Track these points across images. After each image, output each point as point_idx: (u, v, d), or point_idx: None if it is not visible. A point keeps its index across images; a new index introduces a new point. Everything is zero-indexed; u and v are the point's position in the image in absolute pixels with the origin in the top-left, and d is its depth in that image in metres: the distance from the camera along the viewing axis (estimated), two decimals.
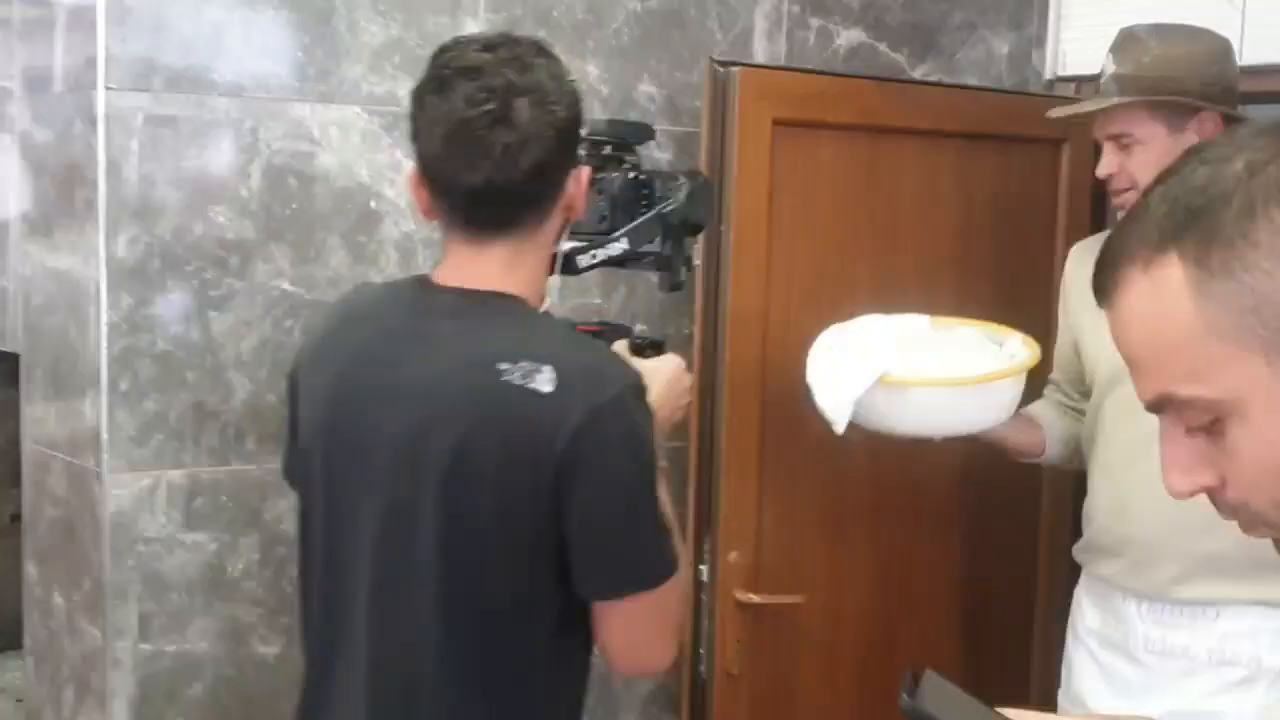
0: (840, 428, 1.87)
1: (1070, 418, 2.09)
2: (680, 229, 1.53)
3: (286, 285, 1.98)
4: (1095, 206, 2.56)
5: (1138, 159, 1.82)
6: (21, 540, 2.23)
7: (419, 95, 1.35)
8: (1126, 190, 1.85)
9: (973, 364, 1.92)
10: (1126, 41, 1.86)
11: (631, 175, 1.54)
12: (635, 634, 1.29)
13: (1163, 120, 1.81)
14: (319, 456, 1.39)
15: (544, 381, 1.22)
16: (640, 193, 1.53)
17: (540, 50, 1.35)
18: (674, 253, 1.54)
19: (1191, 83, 1.80)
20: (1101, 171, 1.88)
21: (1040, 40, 2.62)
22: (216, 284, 1.94)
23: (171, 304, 1.92)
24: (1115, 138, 1.84)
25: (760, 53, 2.31)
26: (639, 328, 1.79)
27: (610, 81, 2.20)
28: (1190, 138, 1.77)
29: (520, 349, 1.25)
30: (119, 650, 1.90)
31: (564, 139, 1.32)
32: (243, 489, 1.99)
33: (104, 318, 1.89)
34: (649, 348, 1.52)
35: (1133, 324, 0.73)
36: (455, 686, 1.26)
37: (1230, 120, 1.82)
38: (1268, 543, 1.63)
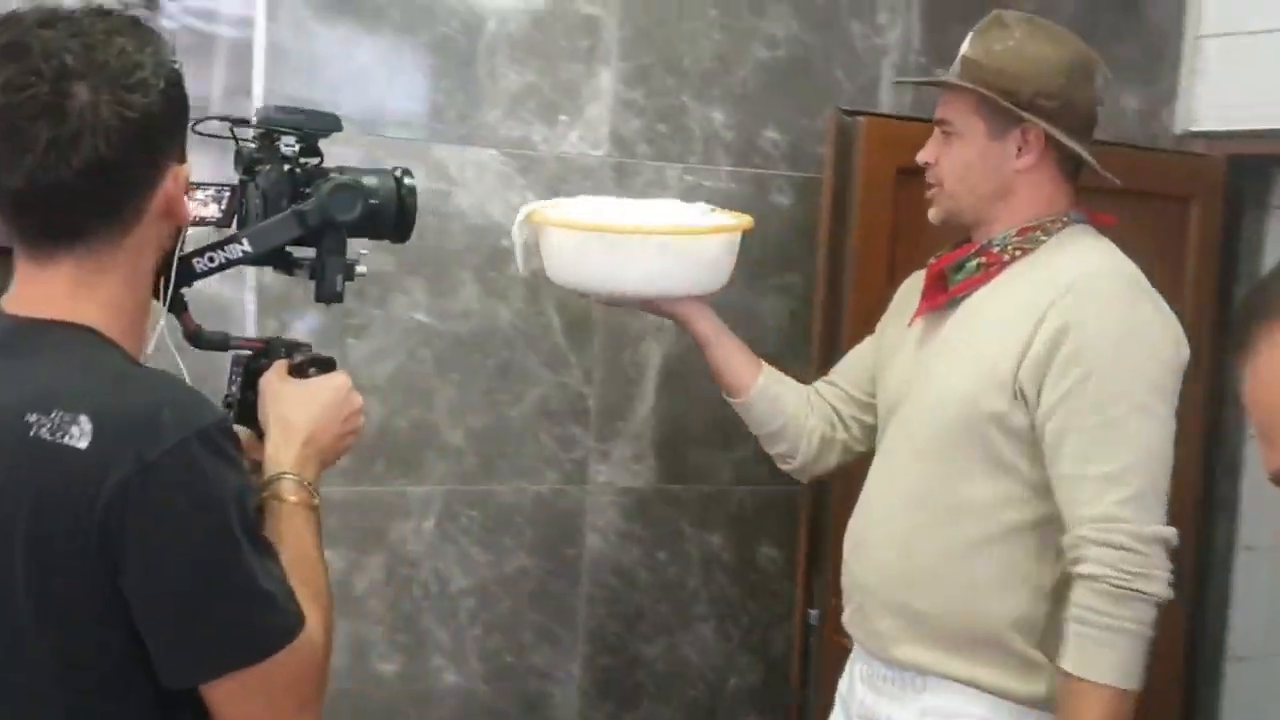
0: (520, 267, 1.81)
1: (805, 399, 1.83)
2: (324, 230, 1.31)
3: (421, 316, 2.07)
4: (1224, 264, 2.52)
5: (952, 154, 1.64)
6: None
7: None
8: (932, 187, 1.67)
9: (646, 220, 1.76)
10: (991, 25, 1.65)
11: (287, 169, 1.32)
12: (255, 709, 1.08)
13: (984, 118, 1.61)
14: None
15: (79, 435, 1.01)
16: (295, 189, 1.32)
17: (124, 25, 1.11)
18: (325, 258, 1.33)
19: (1025, 87, 1.59)
20: (919, 157, 1.69)
21: (1171, 96, 2.59)
22: (356, 313, 2.04)
23: (312, 331, 2.02)
24: (940, 123, 1.66)
25: (886, 102, 2.34)
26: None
27: (735, 127, 2.26)
28: (1009, 149, 1.60)
29: (53, 396, 1.03)
30: None
31: (143, 131, 1.07)
32: (371, 509, 2.08)
33: (249, 330, 1.99)
34: (313, 366, 1.32)
35: (1273, 386, 0.68)
36: None
37: (1060, 147, 1.60)
38: (993, 613, 1.54)
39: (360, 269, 1.36)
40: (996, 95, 1.58)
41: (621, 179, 2.20)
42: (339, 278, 1.34)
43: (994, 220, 1.63)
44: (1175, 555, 1.50)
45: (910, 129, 2.23)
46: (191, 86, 2.31)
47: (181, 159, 1.14)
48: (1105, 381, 1.49)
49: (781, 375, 1.85)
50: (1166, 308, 1.57)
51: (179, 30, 2.27)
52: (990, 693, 1.55)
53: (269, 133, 1.34)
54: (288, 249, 1.33)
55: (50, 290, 1.09)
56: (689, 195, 2.14)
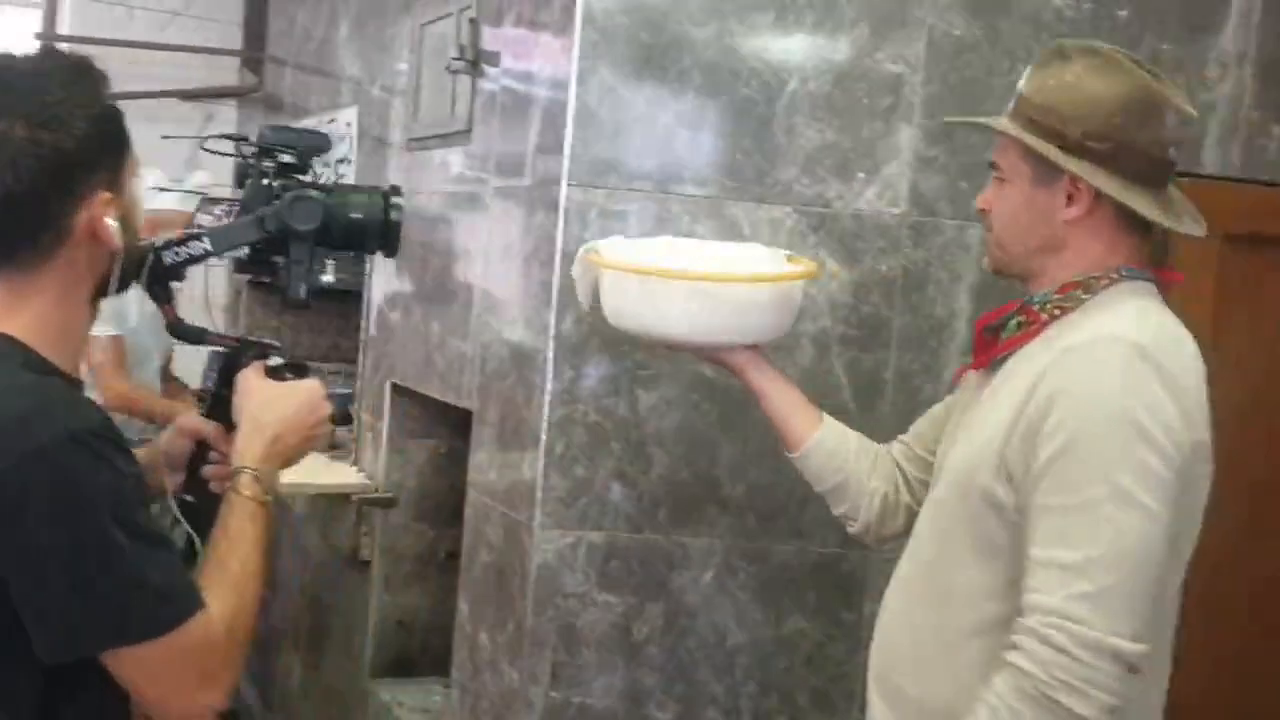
0: (583, 305, 1.82)
1: (871, 458, 1.70)
2: (289, 238, 1.41)
3: (707, 371, 2.10)
4: None
5: (1001, 201, 1.47)
6: (455, 578, 2.50)
7: None
8: (989, 233, 1.51)
9: (698, 264, 1.68)
10: (1051, 56, 1.46)
11: (265, 182, 1.45)
12: (154, 683, 1.20)
13: (1031, 163, 1.43)
14: None
15: None
16: (270, 200, 1.43)
17: (54, 67, 1.23)
18: (290, 266, 1.43)
19: (1073, 129, 1.39)
20: (977, 203, 1.54)
21: None
22: (645, 364, 2.09)
23: (605, 380, 2.09)
24: (993, 167, 1.50)
25: (1210, 162, 2.18)
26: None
27: None
28: (1058, 198, 1.41)
29: None
30: (533, 694, 2.08)
31: (54, 165, 1.18)
32: (652, 557, 2.11)
33: (548, 386, 2.09)
34: (289, 370, 1.42)
35: None
36: None
37: (1116, 204, 1.40)
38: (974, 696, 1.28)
39: (326, 278, 1.43)
40: (1041, 136, 1.40)
41: (920, 237, 2.16)
42: (301, 285, 1.43)
43: (1042, 274, 1.45)
44: (1130, 674, 1.25)
45: (1239, 192, 2.08)
46: (508, 142, 2.47)
47: (111, 188, 1.23)
48: (1087, 458, 1.29)
49: (846, 431, 1.72)
50: (1189, 388, 1.33)
51: (499, 91, 2.43)
52: None
53: (265, 150, 1.46)
54: (274, 257, 1.44)
55: None
56: None
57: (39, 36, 4.58)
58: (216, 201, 1.32)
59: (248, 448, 1.33)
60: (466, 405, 2.48)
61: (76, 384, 1.28)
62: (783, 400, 1.72)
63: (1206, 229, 1.46)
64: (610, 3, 2.06)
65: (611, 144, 2.08)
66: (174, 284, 1.40)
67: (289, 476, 3.09)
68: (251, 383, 1.39)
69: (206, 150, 1.48)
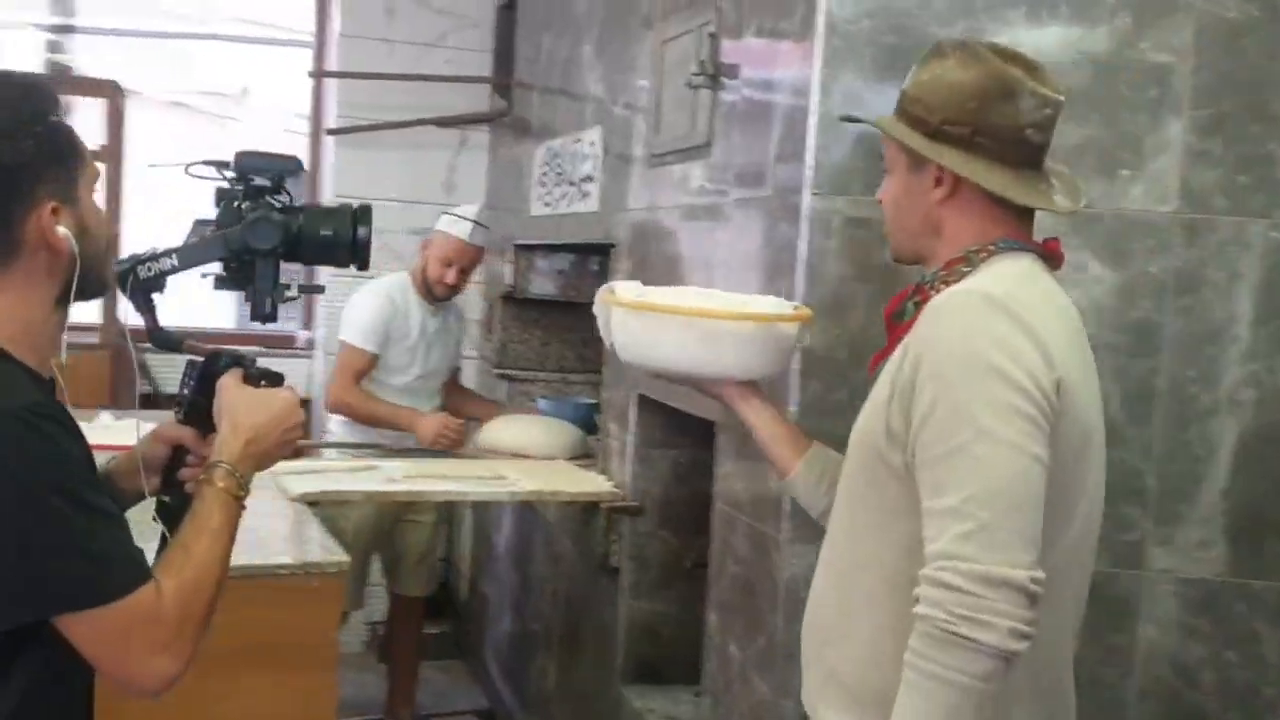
0: (604, 339, 1.93)
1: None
2: (252, 256, 1.54)
3: None
4: None
5: (887, 190, 1.59)
6: (702, 586, 2.50)
7: None
8: (886, 223, 1.62)
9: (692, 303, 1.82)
10: (930, 54, 1.55)
11: (235, 204, 1.57)
12: (103, 647, 1.29)
13: (906, 154, 1.54)
14: None
15: None
16: (239, 220, 1.55)
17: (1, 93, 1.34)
18: (256, 282, 1.56)
19: (934, 116, 1.50)
20: (877, 195, 1.63)
21: None
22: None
23: (851, 392, 2.05)
24: (883, 159, 1.60)
25: None
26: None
27: None
28: (925, 184, 1.52)
29: None
30: (784, 709, 2.06)
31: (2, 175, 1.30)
32: None
33: (793, 398, 2.06)
34: (263, 378, 1.52)
35: None
36: None
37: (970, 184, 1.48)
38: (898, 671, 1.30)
39: (290, 294, 1.58)
40: (910, 126, 1.51)
41: (1192, 236, 2.01)
42: (267, 299, 1.57)
43: (932, 256, 1.55)
44: (1029, 600, 1.30)
45: None
46: (748, 154, 2.47)
47: (59, 197, 1.33)
48: (950, 407, 1.36)
49: (831, 455, 1.75)
50: (1039, 325, 1.39)
51: (739, 102, 2.43)
52: None
53: (242, 175, 1.59)
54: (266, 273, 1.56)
55: None
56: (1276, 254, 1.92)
57: (311, 74, 4.93)
58: (207, 224, 1.56)
59: (225, 446, 1.44)
60: (710, 416, 2.48)
61: (42, 380, 1.36)
62: (771, 432, 1.80)
63: (1081, 205, 1.56)
64: (852, 8, 2.02)
65: (854, 151, 2.04)
66: (155, 295, 1.54)
67: (539, 483, 3.18)
68: (230, 389, 1.49)
69: (191, 175, 1.64)
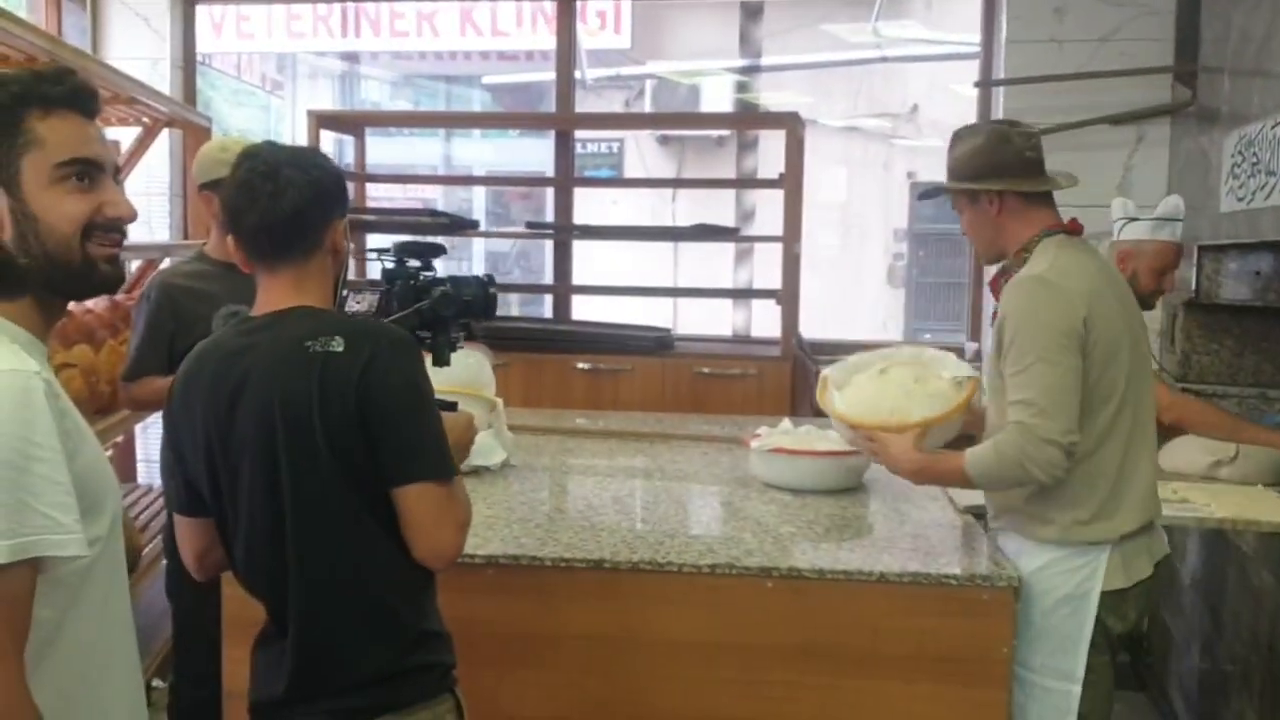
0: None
1: None
2: (437, 320, 2.20)
3: None
4: None
5: (965, 224, 2.55)
6: None
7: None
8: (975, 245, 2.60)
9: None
10: (954, 139, 2.54)
11: (412, 283, 2.24)
12: (436, 517, 1.78)
13: (966, 197, 2.51)
14: None
15: (339, 344, 1.78)
16: (417, 295, 2.22)
17: (310, 151, 1.88)
18: (436, 338, 2.21)
19: (965, 172, 2.49)
20: (961, 229, 2.58)
21: None
22: None
23: None
24: (955, 207, 2.56)
25: None
26: None
27: None
28: (983, 209, 2.48)
29: (321, 330, 1.79)
30: None
31: (319, 194, 1.81)
32: None
33: None
34: (442, 407, 1.87)
35: None
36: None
37: (1013, 193, 2.47)
38: (1014, 499, 2.44)
39: (460, 344, 2.24)
40: (955, 183, 2.50)
41: None
42: (446, 350, 2.23)
43: (1005, 252, 2.51)
44: (1064, 454, 2.26)
45: None
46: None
47: (342, 215, 1.86)
48: (1018, 346, 2.31)
49: None
50: (1070, 284, 2.32)
51: None
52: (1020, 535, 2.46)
53: (399, 255, 2.26)
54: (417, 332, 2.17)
55: (282, 289, 1.82)
56: None
57: (976, 84, 4.92)
58: (359, 288, 2.34)
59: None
60: None
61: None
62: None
63: (1076, 183, 2.48)
64: None
65: None
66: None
67: (1232, 510, 2.99)
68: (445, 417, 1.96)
69: (354, 283, 2.07)
